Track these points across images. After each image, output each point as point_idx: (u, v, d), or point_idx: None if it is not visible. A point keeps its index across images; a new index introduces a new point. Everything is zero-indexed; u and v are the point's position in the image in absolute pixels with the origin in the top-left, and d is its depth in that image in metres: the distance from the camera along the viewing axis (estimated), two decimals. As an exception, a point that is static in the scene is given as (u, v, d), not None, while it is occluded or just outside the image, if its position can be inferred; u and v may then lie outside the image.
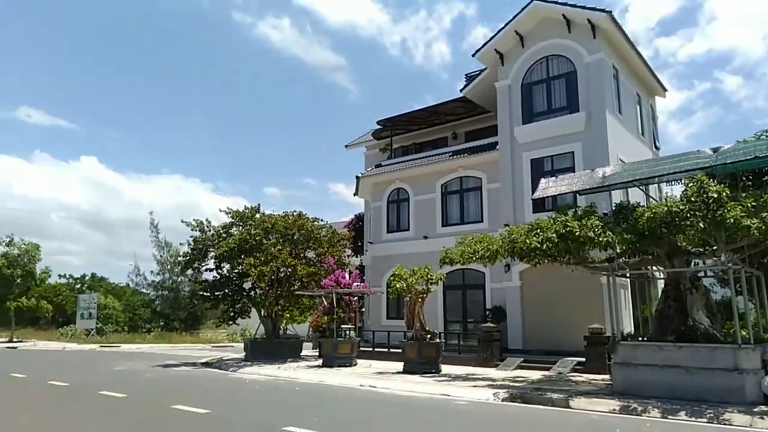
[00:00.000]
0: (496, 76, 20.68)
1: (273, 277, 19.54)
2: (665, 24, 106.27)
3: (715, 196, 9.93)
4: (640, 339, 12.38)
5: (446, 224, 21.58)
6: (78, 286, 48.68)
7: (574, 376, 14.29)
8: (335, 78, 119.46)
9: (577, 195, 14.54)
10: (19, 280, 34.45)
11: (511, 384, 12.62)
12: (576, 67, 18.72)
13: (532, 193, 16.23)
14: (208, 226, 21.61)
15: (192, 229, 21.46)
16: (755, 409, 8.92)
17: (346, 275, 21.73)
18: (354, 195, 26.50)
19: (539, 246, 11.84)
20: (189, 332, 38.07)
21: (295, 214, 21.51)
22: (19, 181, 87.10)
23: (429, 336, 16.12)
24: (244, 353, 20.87)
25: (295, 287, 20.23)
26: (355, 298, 21.66)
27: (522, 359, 16.46)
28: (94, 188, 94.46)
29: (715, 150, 11.08)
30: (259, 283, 19.30)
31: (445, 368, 15.89)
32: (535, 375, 14.48)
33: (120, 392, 11.50)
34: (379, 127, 26.31)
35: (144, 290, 42.96)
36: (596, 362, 14.49)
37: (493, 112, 21.39)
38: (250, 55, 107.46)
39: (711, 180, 10.35)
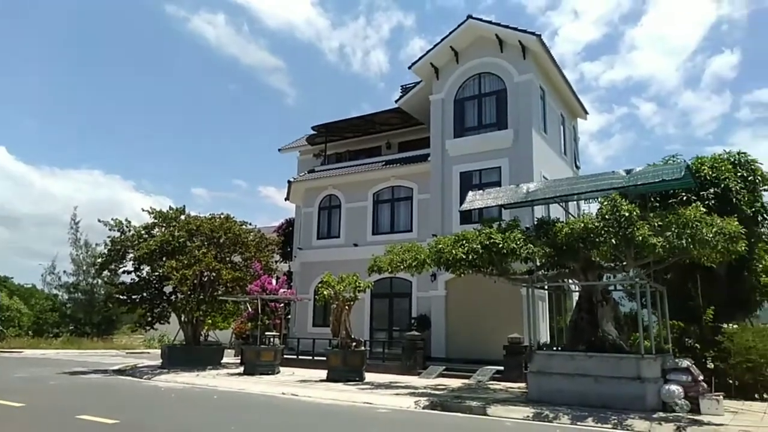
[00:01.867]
0: (430, 89, 21.11)
1: (196, 281, 18.89)
2: (591, 49, 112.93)
3: (627, 214, 10.60)
4: (555, 349, 12.90)
5: (377, 233, 21.71)
6: (-22, 285, 44.91)
7: (492, 384, 14.70)
8: (272, 80, 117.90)
9: (503, 209, 14.99)
10: None
11: (432, 392, 12.80)
12: (506, 86, 19.44)
13: (460, 205, 16.60)
14: (127, 226, 20.58)
15: (110, 229, 20.36)
16: (654, 416, 9.54)
17: (273, 281, 21.29)
18: (285, 200, 26.13)
19: (464, 257, 12.15)
20: (102, 338, 36.04)
21: (222, 216, 20.95)
22: None
23: (354, 344, 16.09)
24: (160, 360, 19.93)
25: (219, 292, 19.65)
26: (282, 304, 21.27)
27: (444, 367, 16.77)
28: (2, 180, 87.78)
29: (628, 171, 11.77)
30: (180, 287, 18.56)
31: (369, 376, 15.90)
32: (456, 383, 14.77)
33: (18, 401, 10.66)
34: (313, 132, 26.15)
35: (56, 291, 40.35)
36: (514, 371, 15.01)
37: (427, 125, 21.80)
38: (183, 50, 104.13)
39: (624, 200, 10.98)
